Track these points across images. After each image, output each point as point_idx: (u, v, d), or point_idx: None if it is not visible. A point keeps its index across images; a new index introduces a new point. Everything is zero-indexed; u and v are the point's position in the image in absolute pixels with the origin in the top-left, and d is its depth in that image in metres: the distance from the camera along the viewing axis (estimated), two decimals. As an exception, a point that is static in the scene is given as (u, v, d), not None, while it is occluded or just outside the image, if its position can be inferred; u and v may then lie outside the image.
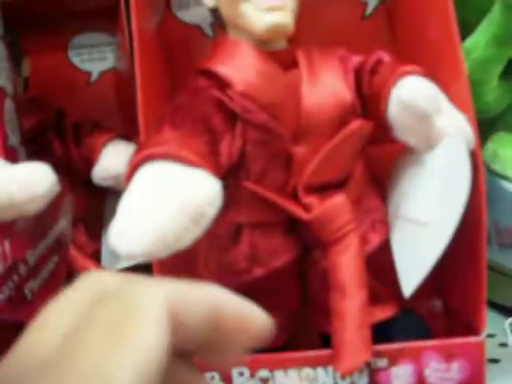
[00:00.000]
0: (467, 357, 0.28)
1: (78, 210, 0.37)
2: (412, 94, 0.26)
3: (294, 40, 0.30)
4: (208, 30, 0.38)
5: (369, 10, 0.38)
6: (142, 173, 0.23)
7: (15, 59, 0.37)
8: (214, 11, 0.29)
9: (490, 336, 0.37)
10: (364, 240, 0.29)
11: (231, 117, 0.27)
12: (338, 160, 0.28)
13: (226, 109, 0.26)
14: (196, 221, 0.21)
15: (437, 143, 0.27)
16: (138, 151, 0.24)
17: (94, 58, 0.43)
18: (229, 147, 0.26)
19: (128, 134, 0.38)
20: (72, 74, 0.43)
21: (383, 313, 0.30)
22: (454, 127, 0.27)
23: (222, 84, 0.27)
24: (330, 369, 0.28)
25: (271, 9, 0.27)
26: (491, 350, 0.35)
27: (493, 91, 0.38)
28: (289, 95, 0.27)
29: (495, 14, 0.34)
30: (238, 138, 0.27)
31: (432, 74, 0.30)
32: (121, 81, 0.41)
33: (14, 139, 0.32)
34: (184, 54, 0.38)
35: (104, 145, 0.37)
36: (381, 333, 0.29)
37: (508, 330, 0.36)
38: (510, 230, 0.37)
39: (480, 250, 0.28)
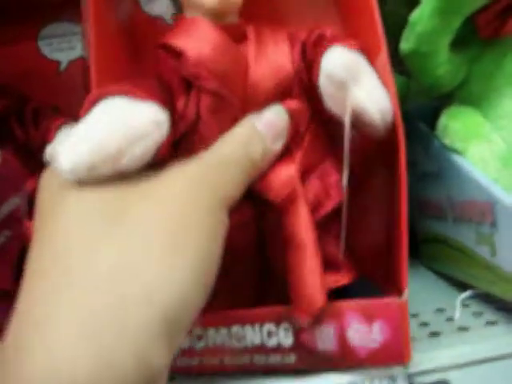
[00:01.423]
0: (387, 317, 0.28)
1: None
2: (331, 62, 0.27)
3: (246, 17, 0.31)
4: (170, 21, 0.40)
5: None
6: (92, 109, 0.24)
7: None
8: None
9: (439, 311, 0.37)
10: (318, 204, 0.30)
11: (186, 83, 0.28)
12: None
13: (180, 75, 0.28)
14: (140, 137, 0.23)
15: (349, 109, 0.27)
16: (91, 94, 0.25)
17: (63, 47, 0.45)
18: (184, 107, 0.28)
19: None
20: (42, 63, 0.45)
21: (338, 281, 0.31)
22: (368, 97, 0.27)
23: (177, 54, 0.29)
24: (257, 327, 0.30)
25: None
26: (436, 324, 0.35)
27: (443, 64, 0.37)
28: (238, 66, 0.29)
29: (436, -15, 0.34)
30: (193, 103, 0.28)
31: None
32: (87, 69, 0.42)
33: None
34: (151, 45, 0.40)
35: (59, 127, 0.39)
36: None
37: (458, 305, 0.36)
38: (462, 203, 0.37)
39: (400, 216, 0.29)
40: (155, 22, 0.40)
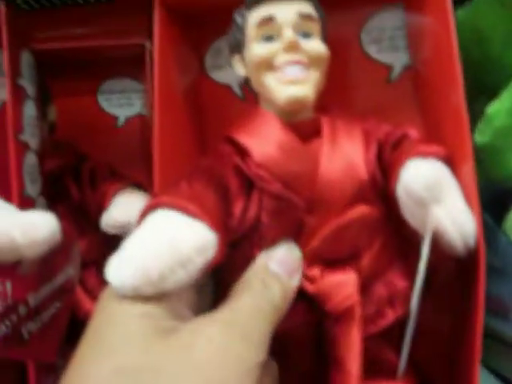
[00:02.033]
0: None
1: (90, 252, 0.39)
2: (411, 179, 0.26)
3: (322, 107, 0.30)
4: (237, 90, 0.40)
5: (394, 74, 0.37)
6: (146, 219, 0.24)
7: (42, 105, 0.39)
8: (247, 79, 0.31)
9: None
10: (379, 315, 0.28)
11: (248, 183, 0.28)
12: (341, 241, 0.28)
13: (243, 175, 0.28)
14: (182, 264, 0.22)
15: (430, 232, 0.26)
16: (150, 200, 0.25)
17: (121, 103, 0.45)
18: (243, 210, 0.27)
19: (148, 180, 0.39)
20: (100, 117, 0.45)
21: None
22: (450, 220, 0.25)
23: (242, 152, 0.28)
24: None
25: (292, 82, 0.28)
26: None
27: (517, 159, 0.36)
28: (306, 167, 0.28)
29: (516, 82, 0.33)
30: (254, 205, 0.27)
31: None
32: (146, 127, 0.42)
33: (31, 190, 0.34)
34: (214, 111, 0.40)
35: (116, 192, 0.38)
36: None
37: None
38: (529, 306, 0.35)
39: (474, 343, 0.27)
40: (221, 89, 0.40)
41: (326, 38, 0.30)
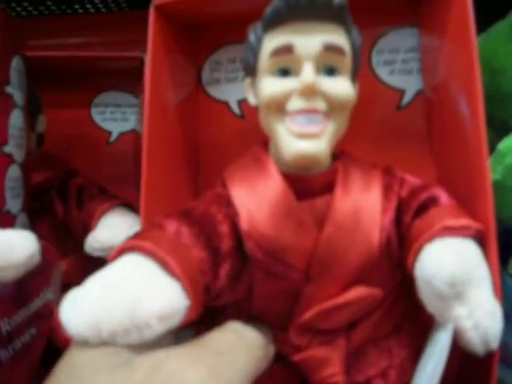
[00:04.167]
0: None
1: (73, 273, 0.36)
2: (432, 270, 0.22)
3: (339, 150, 0.27)
4: (235, 107, 0.37)
5: (405, 99, 0.35)
6: (122, 259, 0.21)
7: (31, 115, 0.37)
8: None
9: None
10: None
11: (241, 242, 0.24)
12: (336, 317, 0.25)
13: (237, 230, 0.24)
14: (138, 328, 0.19)
15: (446, 326, 0.23)
16: (132, 237, 0.22)
17: (115, 117, 0.43)
18: (230, 274, 0.24)
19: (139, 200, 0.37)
20: (92, 131, 0.43)
21: None
22: (472, 322, 0.22)
23: (233, 208, 0.24)
24: None
25: (303, 136, 0.23)
26: None
27: (529, 199, 0.34)
28: (303, 236, 0.24)
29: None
30: (246, 271, 0.24)
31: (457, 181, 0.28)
32: (138, 143, 0.40)
33: (12, 205, 0.32)
34: (210, 128, 0.38)
35: (103, 213, 0.35)
36: None
37: None
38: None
39: None
40: (218, 105, 0.38)
41: (357, 74, 0.26)
